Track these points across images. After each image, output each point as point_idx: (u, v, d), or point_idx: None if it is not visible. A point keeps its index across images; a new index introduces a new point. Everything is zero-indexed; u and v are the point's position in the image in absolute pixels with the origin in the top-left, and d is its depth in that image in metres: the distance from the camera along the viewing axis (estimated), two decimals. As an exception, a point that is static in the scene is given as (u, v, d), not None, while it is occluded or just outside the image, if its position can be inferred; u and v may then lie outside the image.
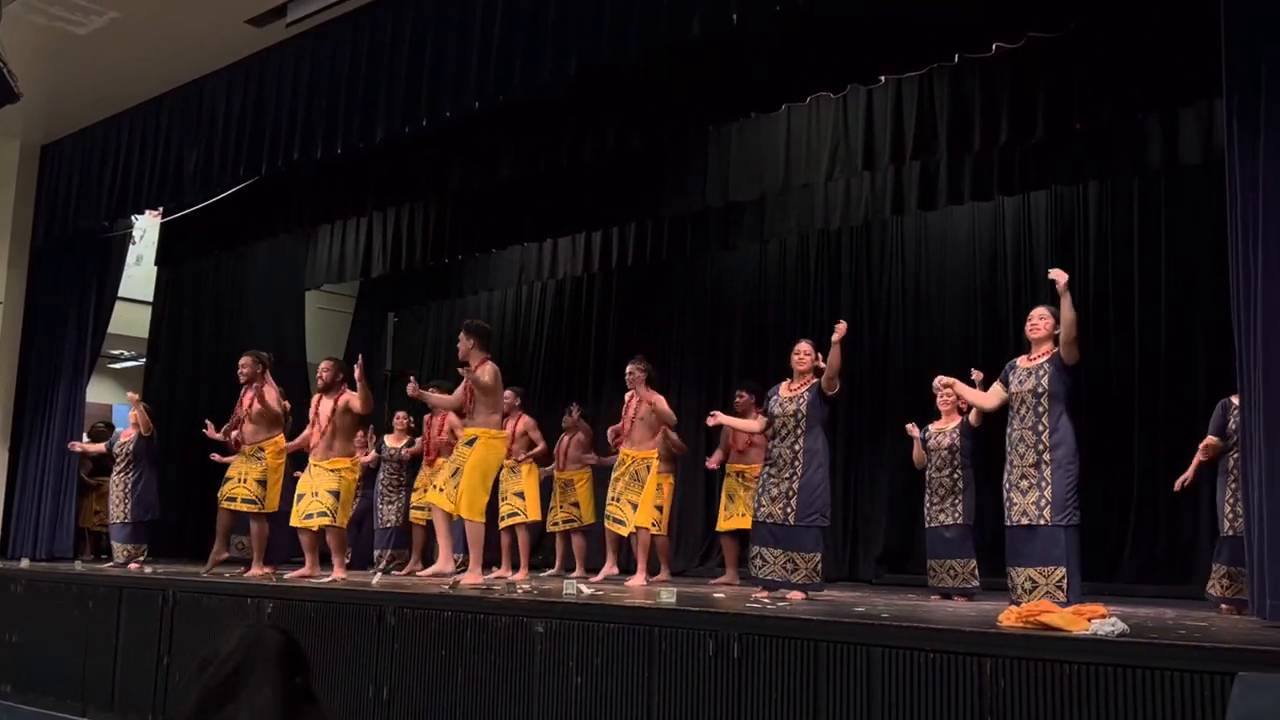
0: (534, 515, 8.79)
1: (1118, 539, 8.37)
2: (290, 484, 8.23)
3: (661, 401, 8.06)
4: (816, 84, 7.15)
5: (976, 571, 7.10)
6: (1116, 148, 7.85)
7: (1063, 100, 6.69)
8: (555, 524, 9.15)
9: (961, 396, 6.75)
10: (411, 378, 7.61)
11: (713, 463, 8.48)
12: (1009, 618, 4.16)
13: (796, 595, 6.06)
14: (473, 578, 6.92)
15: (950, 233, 9.79)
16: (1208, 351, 8.02)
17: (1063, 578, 5.29)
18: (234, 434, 8.33)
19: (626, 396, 8.25)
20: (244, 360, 8.35)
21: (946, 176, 8.49)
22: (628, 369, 8.23)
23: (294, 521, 7.70)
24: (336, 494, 7.50)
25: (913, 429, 7.39)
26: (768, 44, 6.92)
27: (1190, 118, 7.34)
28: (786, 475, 6.18)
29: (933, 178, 8.57)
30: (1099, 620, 3.87)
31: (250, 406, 8.17)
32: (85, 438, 10.30)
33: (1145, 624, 4.55)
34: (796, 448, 6.21)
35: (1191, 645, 3.59)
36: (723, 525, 8.41)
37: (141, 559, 8.84)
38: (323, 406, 7.71)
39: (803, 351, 6.47)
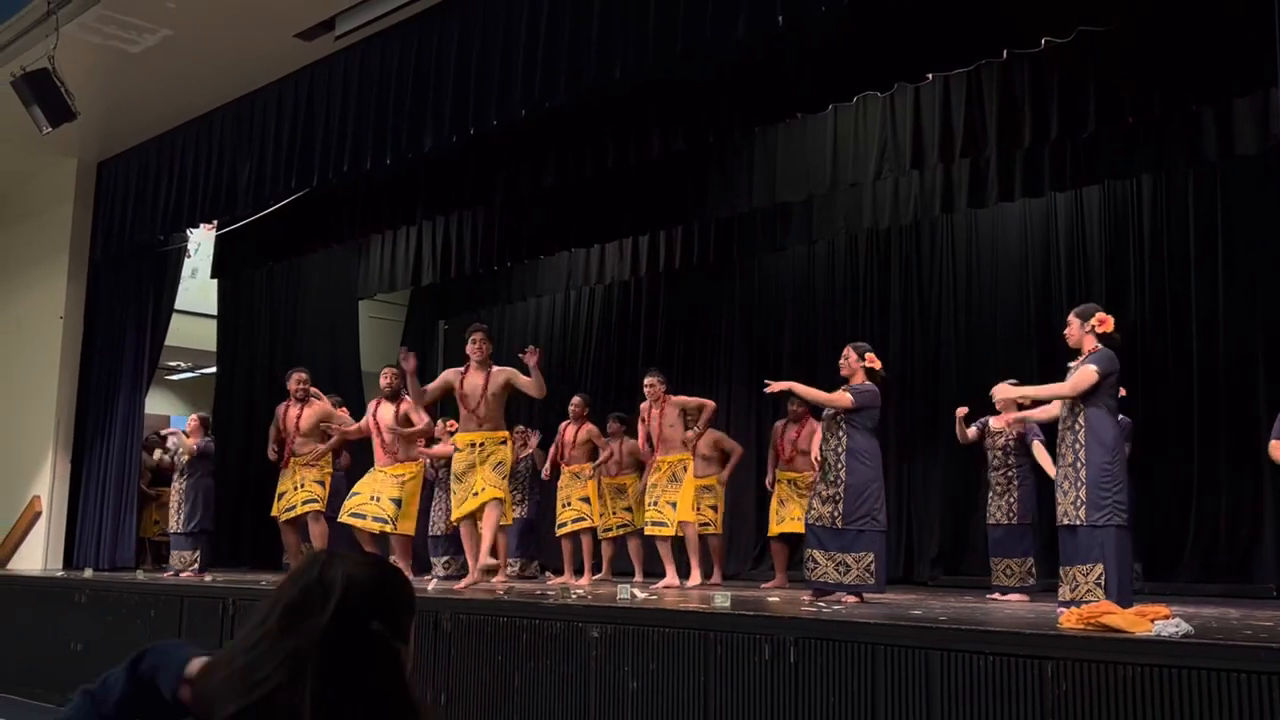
0: (598, 520, 8.89)
1: (1179, 538, 8.24)
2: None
3: (690, 400, 8.32)
4: (863, 83, 7.12)
5: (1034, 570, 7.05)
6: (1170, 140, 7.74)
7: (1114, 93, 6.60)
8: (608, 529, 9.15)
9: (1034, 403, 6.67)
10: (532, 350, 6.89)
11: (770, 481, 8.53)
12: (1069, 619, 4.11)
13: (850, 599, 6.03)
14: (485, 562, 6.75)
15: (1001, 230, 9.68)
16: (1268, 346, 7.87)
17: (1100, 575, 5.21)
18: (281, 449, 8.29)
19: (643, 409, 8.26)
20: (301, 376, 8.36)
21: (997, 173, 8.41)
22: (646, 382, 8.24)
23: (343, 516, 7.60)
24: (399, 502, 7.52)
25: (961, 411, 7.39)
26: (813, 44, 6.89)
27: (1245, 107, 7.22)
28: (832, 477, 6.20)
29: (983, 175, 8.49)
30: (1162, 621, 3.81)
31: (301, 421, 8.17)
32: (158, 449, 10.47)
33: (1209, 624, 4.48)
34: (840, 450, 6.22)
35: (1258, 645, 3.52)
36: (774, 530, 8.42)
37: (195, 568, 8.85)
38: (382, 413, 7.75)
39: (845, 356, 6.46)
